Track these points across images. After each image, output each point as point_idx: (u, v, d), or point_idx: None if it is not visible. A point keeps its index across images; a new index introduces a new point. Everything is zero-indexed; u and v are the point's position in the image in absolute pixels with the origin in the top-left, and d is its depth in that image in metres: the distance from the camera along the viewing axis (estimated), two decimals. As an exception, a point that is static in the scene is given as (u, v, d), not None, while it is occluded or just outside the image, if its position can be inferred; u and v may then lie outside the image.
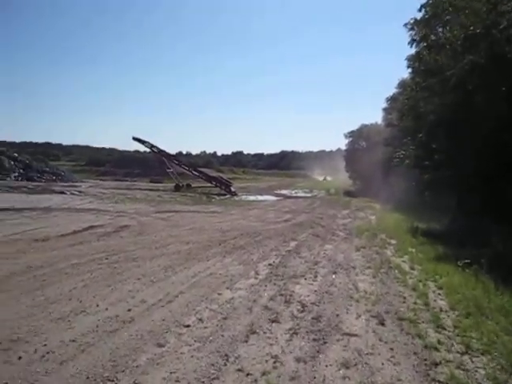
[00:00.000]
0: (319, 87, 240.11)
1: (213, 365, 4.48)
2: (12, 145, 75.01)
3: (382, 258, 10.81)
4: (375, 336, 5.42)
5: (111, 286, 7.29)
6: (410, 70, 19.87)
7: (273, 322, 5.86)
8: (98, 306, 6.22)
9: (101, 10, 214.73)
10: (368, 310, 6.47)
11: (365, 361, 4.67)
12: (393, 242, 13.53)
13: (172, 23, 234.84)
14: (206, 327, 5.57)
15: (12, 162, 46.67)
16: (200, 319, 5.86)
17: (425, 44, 15.33)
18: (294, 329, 5.59)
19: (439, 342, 5.26)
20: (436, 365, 4.63)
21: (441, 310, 6.60)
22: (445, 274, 8.83)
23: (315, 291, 7.52)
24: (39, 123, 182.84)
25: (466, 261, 9.31)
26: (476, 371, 4.55)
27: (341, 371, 4.44)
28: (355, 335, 5.43)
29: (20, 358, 4.46)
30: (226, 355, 4.72)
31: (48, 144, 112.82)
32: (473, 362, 4.77)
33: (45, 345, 4.77)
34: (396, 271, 9.32)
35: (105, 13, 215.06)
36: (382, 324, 5.87)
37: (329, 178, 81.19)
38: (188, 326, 5.60)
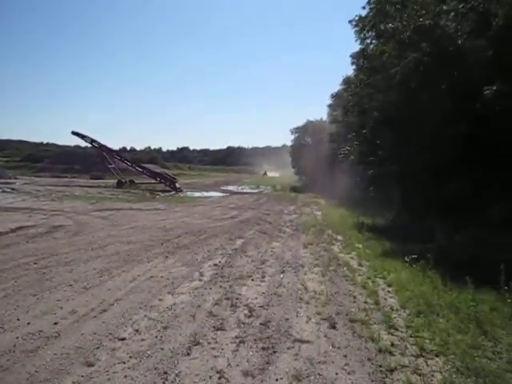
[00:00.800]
0: (266, 84, 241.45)
1: (149, 385, 3.95)
2: None
3: (330, 254, 10.63)
4: (327, 341, 5.09)
5: (37, 295, 6.53)
6: (354, 66, 20.04)
7: (218, 329, 5.39)
8: (18, 319, 5.47)
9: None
10: (318, 313, 6.15)
11: (317, 371, 4.31)
12: (339, 237, 13.45)
13: (129, 17, 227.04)
14: (143, 339, 5.01)
15: None
16: (137, 330, 5.28)
17: (373, 34, 15.32)
18: (241, 337, 5.15)
19: (393, 344, 5.01)
20: (391, 371, 4.36)
21: (392, 309, 6.40)
22: (393, 270, 8.74)
23: (263, 293, 7.12)
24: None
25: (413, 256, 9.26)
26: (432, 376, 4.31)
27: (292, 385, 4.05)
28: (306, 341, 5.07)
29: None
30: (165, 373, 4.20)
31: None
32: (428, 365, 4.54)
33: None
34: (345, 268, 9.13)
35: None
36: (334, 327, 5.56)
37: (270, 174, 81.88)
38: (123, 339, 5.01)
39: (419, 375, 4.31)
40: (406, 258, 9.30)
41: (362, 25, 15.48)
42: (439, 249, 10.01)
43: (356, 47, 17.79)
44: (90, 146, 43.62)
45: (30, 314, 5.72)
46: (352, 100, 19.05)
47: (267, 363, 4.47)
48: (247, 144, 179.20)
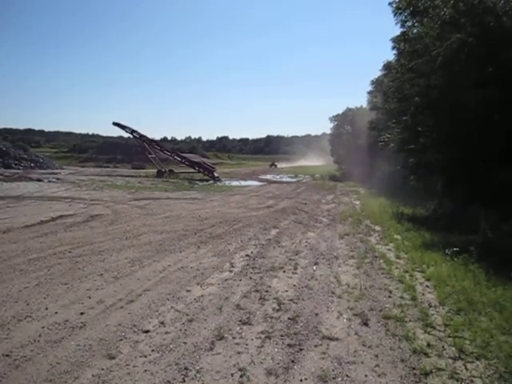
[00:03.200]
0: (306, 73, 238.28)
1: (169, 382, 3.82)
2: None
3: (367, 246, 10.26)
4: (358, 340, 4.81)
5: (68, 283, 6.57)
6: (394, 51, 19.26)
7: (244, 324, 5.21)
8: (46, 309, 5.50)
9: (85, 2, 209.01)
10: (350, 308, 5.87)
11: (345, 372, 4.05)
12: (377, 228, 13.01)
13: (160, 13, 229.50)
14: (167, 332, 4.90)
15: (-13, 149, 45.15)
16: (162, 322, 5.19)
17: (410, 13, 14.58)
18: (267, 332, 4.95)
19: (429, 344, 4.67)
20: (426, 375, 4.04)
21: (429, 306, 6.03)
22: (432, 264, 8.29)
23: (294, 286, 6.89)
24: (22, 110, 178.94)
25: (455, 249, 8.79)
26: (472, 381, 3.97)
27: (317, 387, 3.83)
28: (336, 339, 4.81)
29: None
30: (186, 368, 4.06)
31: (30, 131, 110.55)
32: (467, 369, 4.19)
33: (-29, 361, 4.06)
34: (381, 261, 8.76)
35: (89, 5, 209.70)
36: (366, 324, 5.27)
37: (309, 163, 79.36)
38: (147, 331, 4.92)
39: (457, 380, 3.98)
40: (447, 251, 8.84)
41: (399, 4, 14.75)
42: (484, 241, 9.47)
43: (397, 31, 17.08)
44: (131, 137, 44.47)
45: (59, 303, 5.74)
46: (392, 86, 18.35)
47: (292, 362, 4.25)
48: (286, 133, 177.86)
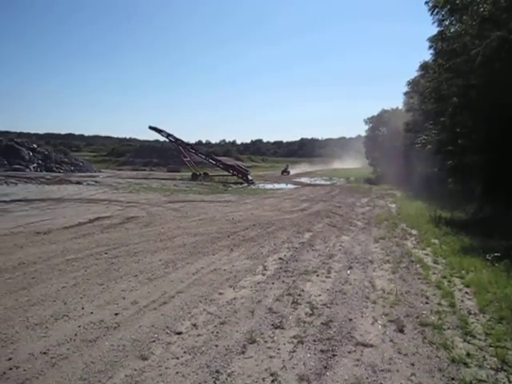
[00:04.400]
0: (341, 77, 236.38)
1: (200, 384, 3.83)
2: (36, 136, 75.90)
3: (403, 250, 10.01)
4: (393, 347, 4.68)
5: (103, 284, 6.70)
6: (431, 51, 18.83)
7: (276, 328, 5.17)
8: (83, 308, 5.62)
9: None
10: (386, 314, 5.72)
11: (380, 380, 3.94)
12: (414, 232, 12.68)
13: (191, 14, 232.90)
14: (199, 335, 4.91)
15: (31, 153, 46.88)
16: (194, 325, 5.21)
17: (448, 10, 14.21)
18: (300, 337, 4.89)
19: (468, 354, 4.49)
20: (466, 386, 3.88)
21: (469, 313, 5.80)
22: (472, 269, 8.00)
23: (327, 290, 6.79)
24: (63, 115, 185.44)
25: (496, 254, 8.46)
26: (514, 394, 3.79)
27: (350, 394, 3.73)
28: (370, 345, 4.69)
29: (-22, 375, 3.88)
30: (217, 371, 4.05)
31: (71, 135, 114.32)
32: (510, 381, 4.00)
33: (10, 358, 4.18)
34: (418, 266, 8.52)
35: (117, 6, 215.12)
36: (402, 331, 5.12)
37: (344, 165, 77.04)
38: (180, 333, 4.95)
39: (499, 392, 3.80)
40: (487, 256, 8.52)
41: (436, 3, 14.41)
42: (527, 246, 9.08)
43: (434, 30, 16.71)
44: (167, 140, 45.19)
45: (95, 303, 5.86)
46: (430, 86, 17.95)
47: (325, 368, 4.17)
48: (321, 135, 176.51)
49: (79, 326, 5.02)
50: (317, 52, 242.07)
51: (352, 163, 77.12)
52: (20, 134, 73.43)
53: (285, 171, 53.84)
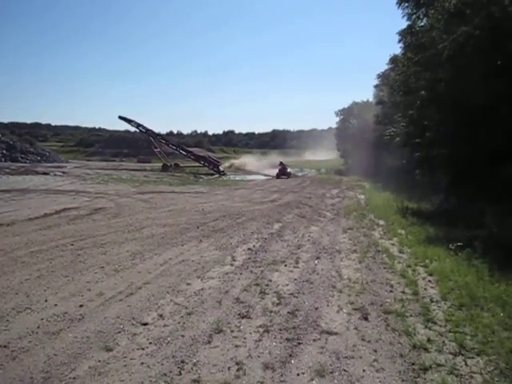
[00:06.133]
0: (311, 67, 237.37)
1: (165, 374, 3.80)
2: (0, 125, 73.30)
3: (370, 240, 10.20)
4: (357, 334, 4.77)
5: (69, 276, 6.57)
6: (401, 44, 19.10)
7: (243, 317, 5.18)
8: (46, 301, 5.50)
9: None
10: (351, 302, 5.82)
11: (343, 367, 4.01)
12: (381, 222, 12.94)
13: (166, 6, 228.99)
14: (165, 325, 4.88)
15: (-6, 143, 45.36)
16: (161, 315, 5.17)
17: (414, 3, 14.44)
18: (266, 326, 4.92)
19: (429, 340, 4.62)
20: (425, 370, 3.99)
21: (431, 301, 5.97)
22: (436, 259, 8.22)
23: (295, 280, 6.85)
24: (29, 104, 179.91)
25: (459, 244, 8.70)
26: (471, 377, 3.92)
27: (314, 381, 3.78)
28: (335, 333, 4.77)
29: None
30: (183, 361, 4.04)
31: (37, 124, 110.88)
32: (467, 365, 4.14)
33: (-32, 352, 4.06)
34: (384, 255, 8.70)
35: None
36: (366, 319, 5.22)
37: (315, 157, 77.06)
38: (146, 324, 4.91)
39: (456, 376, 3.93)
40: (450, 246, 8.78)
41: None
42: (489, 236, 9.39)
43: (403, 24, 16.96)
44: (137, 130, 44.55)
45: (59, 295, 5.74)
46: (399, 79, 18.25)
47: (290, 356, 4.21)
48: (292, 127, 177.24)
49: (42, 319, 4.91)
50: (288, 43, 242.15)
51: (323, 155, 77.82)
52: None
53: (283, 173, 35.93)
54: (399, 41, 19.16)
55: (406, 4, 14.69)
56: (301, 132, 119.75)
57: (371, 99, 45.31)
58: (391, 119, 24.80)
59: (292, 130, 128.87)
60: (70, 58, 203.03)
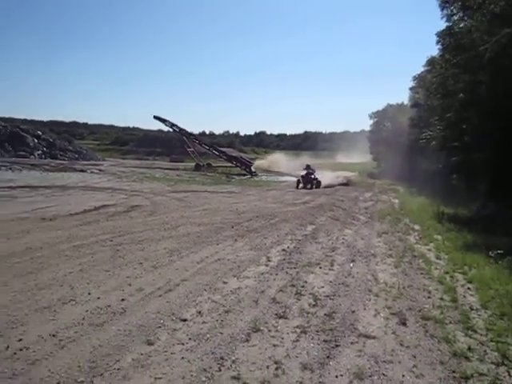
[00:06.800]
0: (344, 70, 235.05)
1: (205, 370, 3.89)
2: (40, 123, 75.75)
3: (406, 245, 10.07)
4: (395, 339, 4.74)
5: (109, 270, 6.77)
6: (439, 46, 18.74)
7: (280, 317, 5.23)
8: (89, 293, 5.69)
9: None
10: (388, 307, 5.78)
11: (382, 371, 4.00)
12: (417, 227, 12.74)
13: (196, 5, 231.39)
14: (204, 322, 4.98)
15: (36, 140, 47.00)
16: (199, 312, 5.28)
17: (459, 6, 14.14)
18: (303, 327, 4.95)
19: (470, 348, 4.55)
20: (467, 379, 3.94)
21: (471, 309, 5.86)
22: (475, 266, 8.05)
23: (330, 282, 6.86)
24: (68, 103, 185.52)
25: (499, 251, 8.51)
26: (514, 388, 3.85)
27: (353, 384, 3.80)
28: (372, 337, 4.75)
29: (-12, 355, 3.96)
30: (222, 358, 4.12)
31: (75, 123, 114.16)
32: (511, 375, 4.06)
33: (20, 339, 4.25)
34: (420, 261, 8.58)
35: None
36: (404, 324, 5.18)
37: (347, 160, 75.95)
38: (185, 320, 5.02)
39: (499, 386, 3.86)
40: (490, 253, 8.58)
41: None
42: (530, 244, 9.12)
43: (442, 25, 16.65)
44: (171, 130, 45.23)
45: (101, 288, 5.93)
46: (436, 82, 17.95)
47: (328, 357, 4.23)
48: (324, 129, 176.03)
49: (86, 311, 5.09)
50: (320, 46, 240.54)
51: (356, 157, 76.94)
52: (24, 121, 73.28)
53: (308, 181, 26.31)
54: (437, 42, 18.81)
55: (449, 6, 14.41)
56: (333, 134, 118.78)
57: (406, 102, 44.57)
58: (427, 122, 24.37)
59: (324, 131, 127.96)
60: (105, 60, 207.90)
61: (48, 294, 5.62)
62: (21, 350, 4.07)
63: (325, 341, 4.61)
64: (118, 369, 3.84)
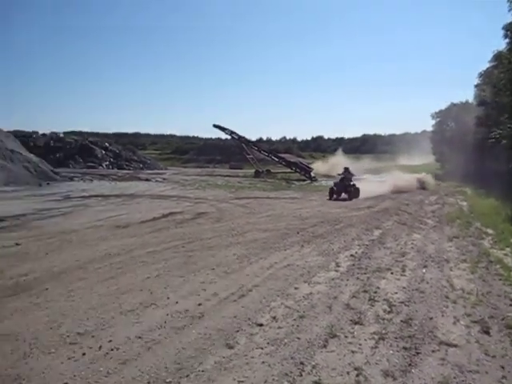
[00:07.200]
0: (402, 70, 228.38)
1: (286, 374, 3.96)
2: (105, 135, 79.82)
3: (480, 249, 9.64)
4: (479, 348, 4.57)
5: (184, 276, 7.03)
6: (507, 40, 17.84)
7: (355, 323, 5.20)
8: (168, 298, 5.95)
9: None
10: (468, 314, 5.58)
11: (469, 381, 3.88)
12: (490, 231, 12.13)
13: (259, 7, 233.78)
14: (280, 327, 5.05)
15: (103, 152, 49.66)
16: (274, 317, 5.36)
17: None
18: (380, 333, 4.89)
19: None
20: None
21: (560, 317, 5.53)
22: (560, 273, 7.56)
23: (404, 288, 6.71)
24: (130, 116, 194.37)
25: None
26: None
27: (439, 393, 3.71)
28: (454, 345, 4.61)
29: (84, 354, 4.24)
30: (302, 363, 4.17)
31: (137, 134, 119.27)
32: None
33: (110, 340, 4.53)
34: (497, 266, 8.18)
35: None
36: (487, 332, 4.98)
37: (408, 162, 73.78)
38: (261, 324, 5.12)
39: None
40: None
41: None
42: None
43: (509, 18, 15.86)
44: (229, 138, 46.01)
45: (178, 293, 6.17)
46: (504, 78, 17.07)
47: (410, 365, 4.16)
48: (383, 131, 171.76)
49: (167, 314, 5.33)
50: (377, 53, 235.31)
51: (418, 159, 74.47)
52: (91, 134, 77.61)
53: (342, 188, 21.44)
54: (504, 36, 17.92)
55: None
56: (392, 136, 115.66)
57: (471, 100, 42.65)
58: (496, 120, 23.20)
59: (383, 134, 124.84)
60: (161, 72, 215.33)
61: (130, 297, 5.93)
62: (112, 350, 4.34)
63: (404, 348, 4.53)
64: (202, 371, 4.00)
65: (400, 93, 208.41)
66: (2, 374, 3.83)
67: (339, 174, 22.68)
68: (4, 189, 21.44)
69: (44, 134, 52.88)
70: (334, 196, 21.05)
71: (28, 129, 55.86)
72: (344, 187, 21.44)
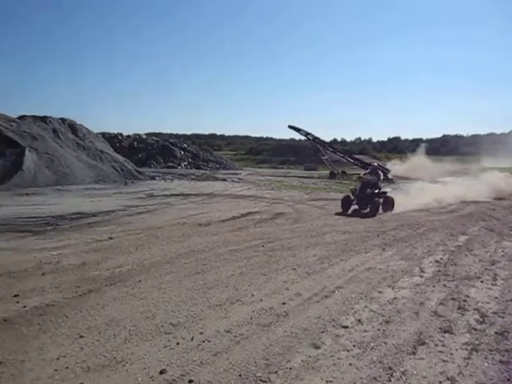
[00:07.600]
0: (481, 67, 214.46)
1: (375, 378, 3.92)
2: (183, 137, 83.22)
3: None
4: None
5: (266, 275, 7.17)
6: None
7: (445, 332, 5.02)
8: (252, 295, 6.10)
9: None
10: None
11: None
12: None
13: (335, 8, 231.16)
14: (365, 330, 5.01)
15: (182, 152, 51.79)
16: (359, 320, 5.32)
17: None
18: (473, 344, 4.68)
19: None
20: None
21: None
22: None
23: (496, 298, 6.35)
24: (207, 117, 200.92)
25: None
26: None
27: (543, 410, 3.50)
28: (559, 363, 4.31)
29: (178, 343, 4.48)
30: (390, 368, 4.10)
31: (213, 135, 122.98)
32: None
33: (201, 333, 4.75)
34: None
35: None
36: None
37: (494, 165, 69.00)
38: (346, 327, 5.10)
39: None
40: None
41: None
42: None
43: None
44: (303, 138, 45.92)
45: (262, 291, 6.31)
46: None
47: (509, 380, 3.95)
48: (466, 131, 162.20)
49: (253, 311, 5.48)
50: (461, 48, 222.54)
51: (504, 161, 69.65)
52: (170, 135, 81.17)
53: (365, 198, 15.25)
54: None
55: None
56: (476, 136, 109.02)
57: None
58: None
59: (466, 134, 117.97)
60: (239, 74, 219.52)
61: (216, 293, 6.16)
62: (203, 341, 4.54)
63: (501, 362, 4.30)
64: (290, 368, 4.07)
65: (483, 91, 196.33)
66: (109, 357, 4.15)
67: (364, 173, 17.41)
68: (94, 186, 23.11)
69: (128, 136, 56.06)
70: (351, 209, 15.41)
71: (114, 130, 59.58)
72: (367, 196, 15.26)
